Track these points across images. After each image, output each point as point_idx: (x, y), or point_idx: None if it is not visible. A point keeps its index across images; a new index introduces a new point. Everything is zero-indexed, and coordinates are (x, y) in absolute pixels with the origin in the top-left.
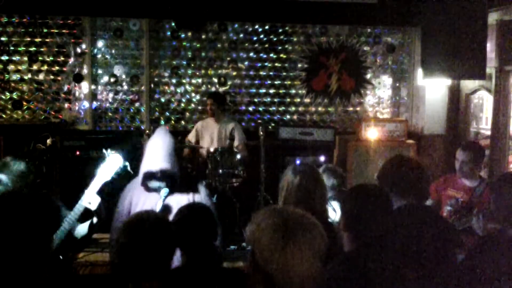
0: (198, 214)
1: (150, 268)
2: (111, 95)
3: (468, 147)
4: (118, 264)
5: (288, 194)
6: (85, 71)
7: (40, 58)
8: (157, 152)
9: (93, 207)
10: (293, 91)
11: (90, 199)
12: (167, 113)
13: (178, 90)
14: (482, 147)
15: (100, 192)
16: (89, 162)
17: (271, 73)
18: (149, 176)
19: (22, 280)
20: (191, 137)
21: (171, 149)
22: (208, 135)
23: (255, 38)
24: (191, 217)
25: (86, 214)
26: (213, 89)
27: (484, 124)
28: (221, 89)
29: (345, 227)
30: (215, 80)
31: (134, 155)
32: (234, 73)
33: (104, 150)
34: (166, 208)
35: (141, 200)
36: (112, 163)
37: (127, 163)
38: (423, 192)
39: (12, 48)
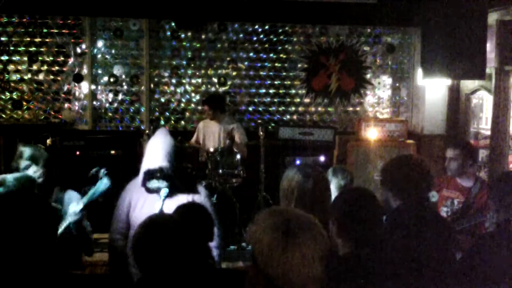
0: (194, 213)
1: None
2: (111, 95)
3: (455, 145)
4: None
5: (300, 198)
6: (85, 71)
7: (40, 58)
8: (157, 152)
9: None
10: (293, 91)
11: (74, 215)
12: (167, 113)
13: (178, 90)
14: (472, 145)
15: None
16: (89, 162)
17: (271, 73)
18: (149, 175)
19: (21, 280)
20: (194, 139)
21: (171, 149)
22: (209, 135)
23: (255, 38)
24: (187, 217)
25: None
26: (213, 89)
27: (484, 124)
28: (221, 89)
29: (336, 232)
30: (215, 80)
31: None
32: (234, 73)
33: (99, 170)
34: (166, 209)
35: (140, 201)
36: (103, 185)
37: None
38: (423, 192)
39: (12, 48)
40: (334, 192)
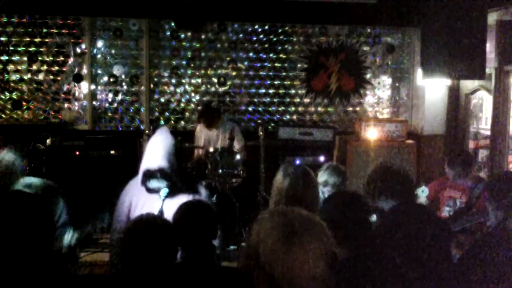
0: (199, 211)
1: (154, 270)
2: (110, 95)
3: (453, 164)
4: (121, 268)
5: (279, 197)
6: (84, 71)
7: (39, 58)
8: (156, 151)
9: None
10: (293, 91)
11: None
12: (167, 113)
13: (178, 90)
14: (468, 154)
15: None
16: (89, 162)
17: (270, 73)
18: (148, 175)
19: (21, 279)
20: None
21: (171, 148)
22: (207, 137)
23: (254, 38)
24: (192, 214)
25: None
26: (213, 89)
27: (483, 124)
28: (221, 89)
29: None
30: (215, 80)
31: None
32: (234, 73)
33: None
34: (166, 209)
35: (140, 201)
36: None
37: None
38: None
39: (11, 48)
40: (329, 190)
